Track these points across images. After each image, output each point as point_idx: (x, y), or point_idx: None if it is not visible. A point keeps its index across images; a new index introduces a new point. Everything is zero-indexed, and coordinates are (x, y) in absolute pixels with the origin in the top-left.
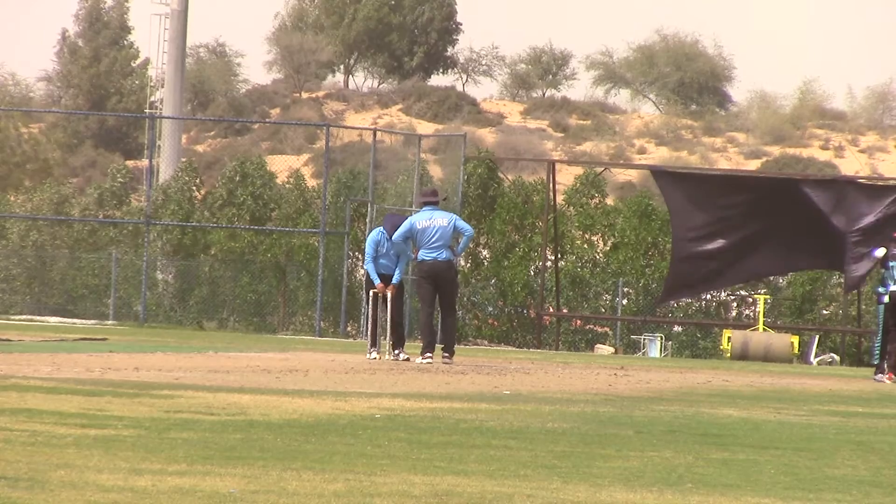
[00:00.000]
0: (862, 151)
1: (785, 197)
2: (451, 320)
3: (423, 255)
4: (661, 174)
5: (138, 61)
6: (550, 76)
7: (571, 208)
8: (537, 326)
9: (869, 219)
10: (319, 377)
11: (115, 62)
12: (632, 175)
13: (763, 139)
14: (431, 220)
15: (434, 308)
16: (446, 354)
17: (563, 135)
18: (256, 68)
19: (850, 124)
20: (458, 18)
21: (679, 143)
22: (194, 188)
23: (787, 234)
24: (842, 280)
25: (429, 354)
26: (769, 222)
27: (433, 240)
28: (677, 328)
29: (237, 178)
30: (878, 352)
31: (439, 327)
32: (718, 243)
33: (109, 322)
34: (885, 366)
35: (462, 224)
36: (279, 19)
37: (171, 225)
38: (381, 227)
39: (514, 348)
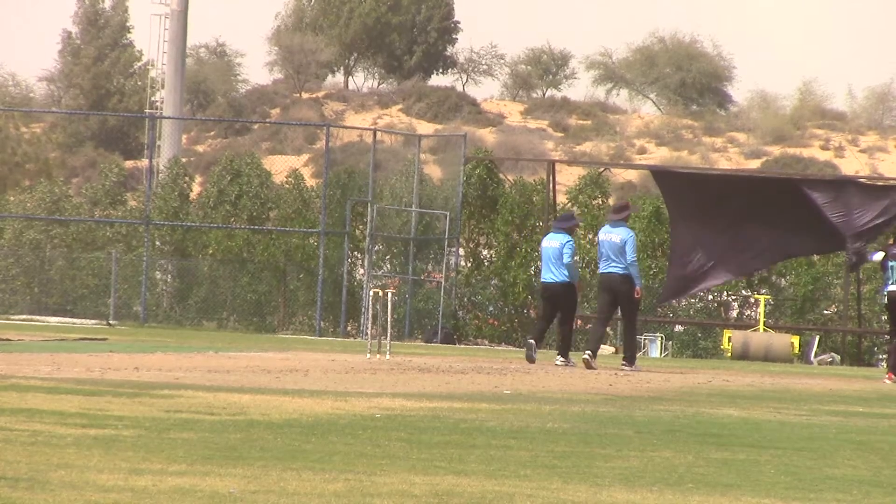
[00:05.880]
0: (862, 151)
1: (784, 193)
2: (628, 329)
3: (600, 267)
4: (661, 174)
5: (141, 62)
6: (550, 76)
7: (576, 208)
8: None
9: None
10: (319, 377)
11: (116, 62)
12: (632, 175)
13: (763, 139)
14: (608, 235)
15: (606, 318)
16: (624, 362)
17: (563, 135)
18: (256, 68)
19: (851, 124)
20: (457, 18)
21: (679, 144)
22: (184, 185)
23: (786, 224)
24: (841, 281)
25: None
26: (768, 216)
27: (605, 253)
28: (678, 328)
29: (227, 178)
30: None
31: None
32: (717, 241)
33: (109, 322)
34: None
35: (629, 248)
36: (280, 19)
37: (170, 225)
38: (568, 235)
39: (514, 348)
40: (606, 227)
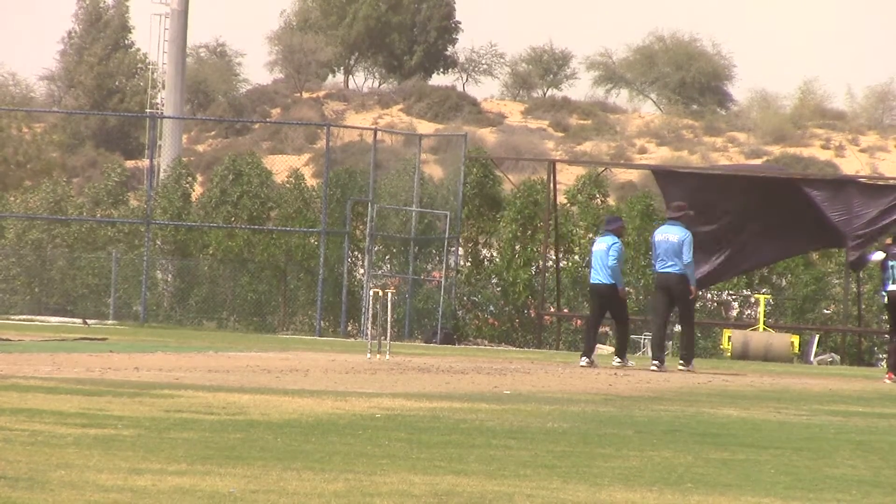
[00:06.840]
0: (862, 151)
1: (784, 191)
2: (686, 329)
3: (656, 267)
4: (662, 174)
5: (144, 63)
6: (551, 76)
7: (575, 207)
8: (538, 326)
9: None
10: (319, 377)
11: (121, 63)
12: (633, 175)
13: (764, 139)
14: (665, 235)
15: (663, 320)
16: (682, 362)
17: (563, 134)
18: (257, 68)
19: (851, 124)
20: (458, 18)
21: (680, 143)
22: (186, 185)
23: (786, 221)
24: (841, 280)
25: (655, 363)
26: (769, 214)
27: (661, 253)
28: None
29: (230, 177)
30: None
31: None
32: (718, 239)
33: (109, 322)
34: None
35: (686, 249)
36: (284, 17)
37: (171, 225)
38: (615, 237)
39: (514, 348)
40: (663, 227)
